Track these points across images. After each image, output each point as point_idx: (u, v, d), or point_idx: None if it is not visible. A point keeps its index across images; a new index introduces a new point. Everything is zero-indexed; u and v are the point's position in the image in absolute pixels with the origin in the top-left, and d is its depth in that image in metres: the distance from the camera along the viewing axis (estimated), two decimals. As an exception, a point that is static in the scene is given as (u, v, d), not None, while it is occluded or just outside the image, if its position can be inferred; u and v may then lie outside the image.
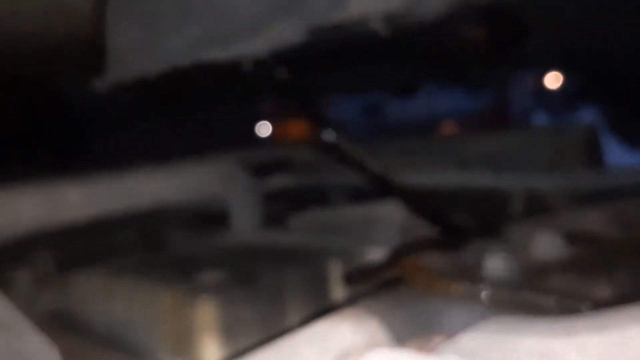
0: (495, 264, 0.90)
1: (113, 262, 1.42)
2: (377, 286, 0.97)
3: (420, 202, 1.20)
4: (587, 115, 2.52)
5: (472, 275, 0.90)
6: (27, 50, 1.45)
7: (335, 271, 1.18)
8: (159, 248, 1.55)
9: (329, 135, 1.20)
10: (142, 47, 1.31)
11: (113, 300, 1.29)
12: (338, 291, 1.13)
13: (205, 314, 1.15)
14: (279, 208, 1.72)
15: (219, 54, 1.18)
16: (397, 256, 1.02)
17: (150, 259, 1.44)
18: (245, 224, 1.68)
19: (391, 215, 1.37)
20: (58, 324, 1.31)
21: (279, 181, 1.88)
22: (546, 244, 0.95)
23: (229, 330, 1.14)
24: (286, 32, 1.09)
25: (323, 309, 0.89)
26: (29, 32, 1.39)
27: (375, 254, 1.19)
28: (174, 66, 1.26)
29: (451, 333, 0.73)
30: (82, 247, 1.48)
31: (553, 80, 2.61)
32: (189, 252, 1.50)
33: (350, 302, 0.94)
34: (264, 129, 2.48)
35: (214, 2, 1.18)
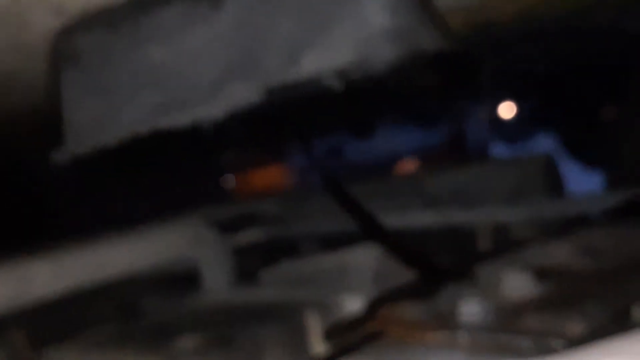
0: (470, 308, 0.91)
1: (87, 335, 1.40)
2: (358, 340, 0.97)
3: (403, 245, 1.22)
4: (544, 143, 2.56)
5: (448, 322, 0.90)
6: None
7: (313, 325, 1.18)
8: (133, 317, 1.53)
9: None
10: (99, 118, 1.32)
11: (89, 375, 1.27)
12: (319, 347, 1.12)
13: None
14: (250, 263, 1.71)
15: (177, 119, 1.19)
16: (375, 308, 1.02)
17: (125, 329, 1.42)
18: (218, 283, 1.67)
19: (365, 261, 1.38)
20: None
21: (247, 236, 1.87)
22: (517, 283, 0.97)
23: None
24: (243, 94, 1.10)
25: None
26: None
27: (352, 304, 1.19)
28: (133, 134, 1.26)
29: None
30: (55, 322, 1.46)
31: (507, 110, 2.66)
32: (164, 318, 1.48)
33: (332, 358, 0.94)
34: (227, 183, 2.48)
35: (168, 70, 1.19)
